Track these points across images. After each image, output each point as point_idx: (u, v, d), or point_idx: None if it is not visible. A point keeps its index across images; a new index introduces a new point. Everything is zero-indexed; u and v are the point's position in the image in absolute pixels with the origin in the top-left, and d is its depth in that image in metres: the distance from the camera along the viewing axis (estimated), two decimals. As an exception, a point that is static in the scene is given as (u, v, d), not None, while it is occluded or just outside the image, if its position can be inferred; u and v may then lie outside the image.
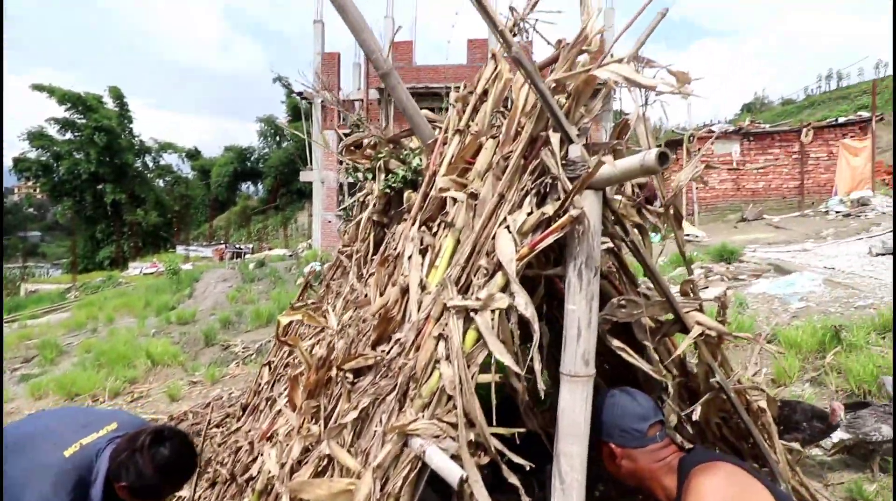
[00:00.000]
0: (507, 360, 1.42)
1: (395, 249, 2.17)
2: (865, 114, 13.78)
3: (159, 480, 1.58)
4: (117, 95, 33.01)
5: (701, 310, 1.83)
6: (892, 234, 4.62)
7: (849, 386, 3.50)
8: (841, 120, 14.39)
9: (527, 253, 1.56)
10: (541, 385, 1.44)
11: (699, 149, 12.77)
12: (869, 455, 2.73)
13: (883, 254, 7.01)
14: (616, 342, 1.80)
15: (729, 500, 1.33)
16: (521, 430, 1.54)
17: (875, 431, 2.63)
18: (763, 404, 1.97)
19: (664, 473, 1.50)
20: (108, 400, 5.80)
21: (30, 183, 35.68)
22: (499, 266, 1.55)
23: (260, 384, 3.07)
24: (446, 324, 1.53)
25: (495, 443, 1.43)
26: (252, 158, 39.69)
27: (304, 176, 19.80)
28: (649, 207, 1.77)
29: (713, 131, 13.78)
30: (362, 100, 17.12)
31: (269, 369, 3.04)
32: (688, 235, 11.44)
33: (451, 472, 1.30)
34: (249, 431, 2.55)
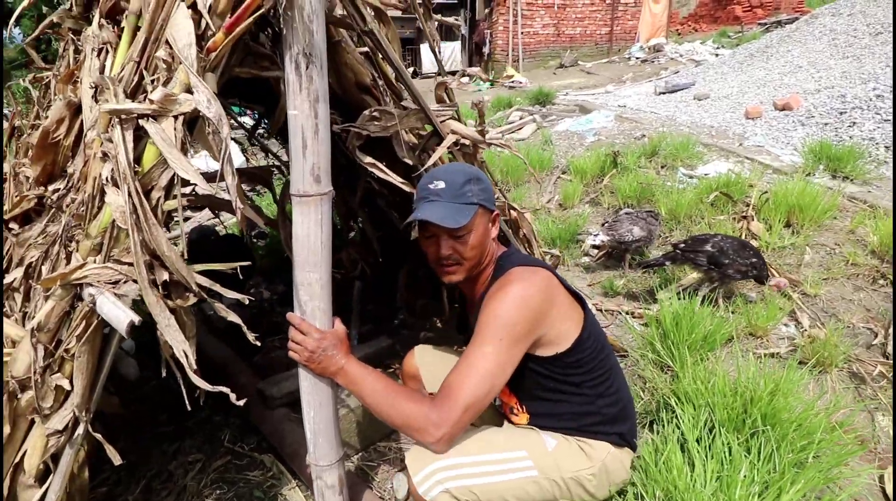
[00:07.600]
0: (195, 178, 1.10)
1: (81, 57, 1.58)
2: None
3: None
4: None
5: (458, 118, 1.67)
6: None
7: (617, 202, 3.96)
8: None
9: (222, 40, 1.17)
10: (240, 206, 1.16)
11: (524, -10, 12.49)
12: (622, 254, 3.15)
13: (664, 93, 7.88)
14: (368, 159, 1.59)
15: (535, 291, 1.28)
16: (239, 263, 1.28)
17: (628, 232, 2.99)
18: (524, 216, 2.01)
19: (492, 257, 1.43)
20: None
21: None
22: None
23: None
24: (111, 139, 1.13)
25: (200, 280, 1.17)
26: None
27: None
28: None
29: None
30: None
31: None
32: (513, 81, 11.68)
33: (119, 319, 1.02)
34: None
